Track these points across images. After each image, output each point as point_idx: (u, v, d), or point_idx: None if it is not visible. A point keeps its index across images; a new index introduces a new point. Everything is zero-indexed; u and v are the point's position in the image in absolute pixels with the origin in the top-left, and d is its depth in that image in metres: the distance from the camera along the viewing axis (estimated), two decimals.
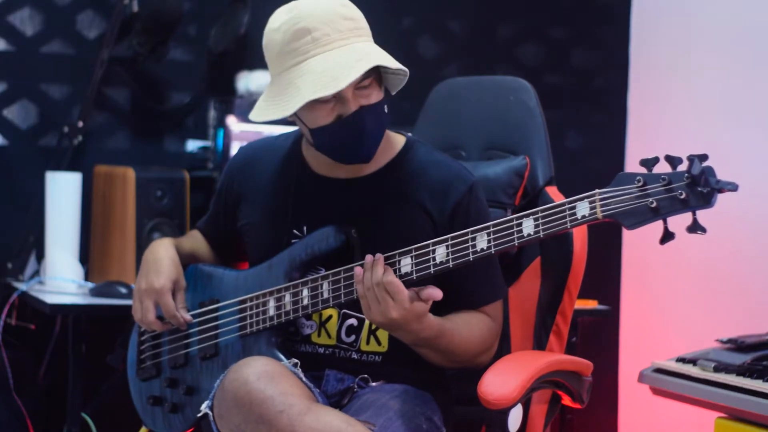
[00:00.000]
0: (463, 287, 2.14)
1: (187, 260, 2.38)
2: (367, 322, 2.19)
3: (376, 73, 2.12)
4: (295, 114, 2.12)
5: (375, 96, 2.11)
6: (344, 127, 2.10)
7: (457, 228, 2.05)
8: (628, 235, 3.79)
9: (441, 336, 2.09)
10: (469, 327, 2.15)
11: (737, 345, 2.62)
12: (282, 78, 2.11)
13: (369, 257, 2.05)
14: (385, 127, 2.17)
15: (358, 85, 2.08)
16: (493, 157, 2.48)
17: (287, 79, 2.09)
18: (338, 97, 2.08)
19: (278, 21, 2.12)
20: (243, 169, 2.34)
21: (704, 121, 3.49)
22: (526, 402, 2.16)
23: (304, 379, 2.09)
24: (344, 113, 2.09)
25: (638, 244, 3.78)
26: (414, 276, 2.04)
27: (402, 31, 3.76)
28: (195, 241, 2.44)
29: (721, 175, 1.82)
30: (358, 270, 2.05)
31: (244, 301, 2.24)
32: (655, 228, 1.87)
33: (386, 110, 2.15)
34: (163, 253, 2.31)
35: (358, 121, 2.09)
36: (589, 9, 3.94)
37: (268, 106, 2.11)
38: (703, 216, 1.83)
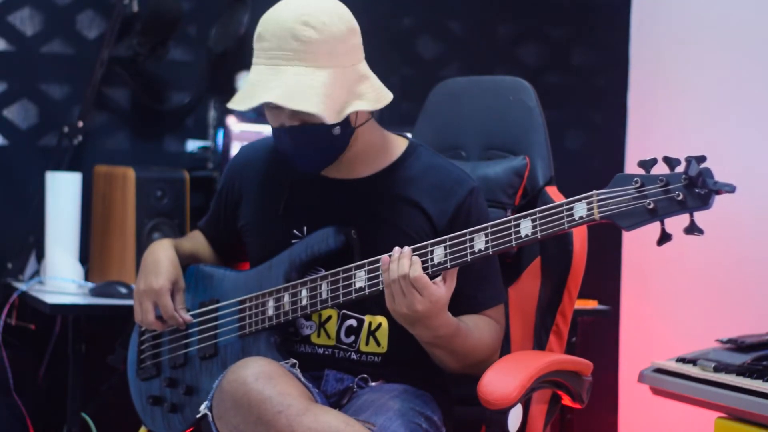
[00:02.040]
0: (464, 291, 2.14)
1: (187, 261, 2.38)
2: (366, 322, 2.19)
3: None
4: None
5: (317, 118, 2.06)
6: (279, 137, 2.14)
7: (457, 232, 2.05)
8: (628, 236, 3.79)
9: (457, 335, 2.09)
10: (479, 329, 2.16)
11: (737, 345, 2.62)
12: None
13: (396, 249, 2.03)
14: (332, 149, 2.15)
15: None
16: (493, 157, 2.48)
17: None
18: (280, 107, 2.08)
19: (263, 16, 2.13)
20: (244, 169, 2.34)
21: (704, 120, 3.49)
22: (526, 402, 2.16)
23: (302, 379, 2.09)
24: (284, 123, 2.11)
25: (638, 245, 3.78)
26: None
27: (402, 31, 3.75)
28: (195, 241, 2.44)
29: (721, 174, 1.82)
30: (384, 258, 2.04)
31: (243, 302, 2.24)
32: (655, 228, 1.87)
33: (336, 132, 2.11)
34: (162, 254, 2.31)
35: (287, 136, 2.11)
36: (589, 9, 3.94)
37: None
38: (702, 215, 1.82)
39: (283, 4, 2.11)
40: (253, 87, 2.07)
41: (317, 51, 2.06)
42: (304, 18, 2.06)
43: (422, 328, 2.05)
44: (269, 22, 2.09)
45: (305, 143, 2.12)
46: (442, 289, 2.02)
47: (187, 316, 2.29)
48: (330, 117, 2.05)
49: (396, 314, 2.04)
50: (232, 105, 2.10)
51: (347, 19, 2.12)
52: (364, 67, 2.15)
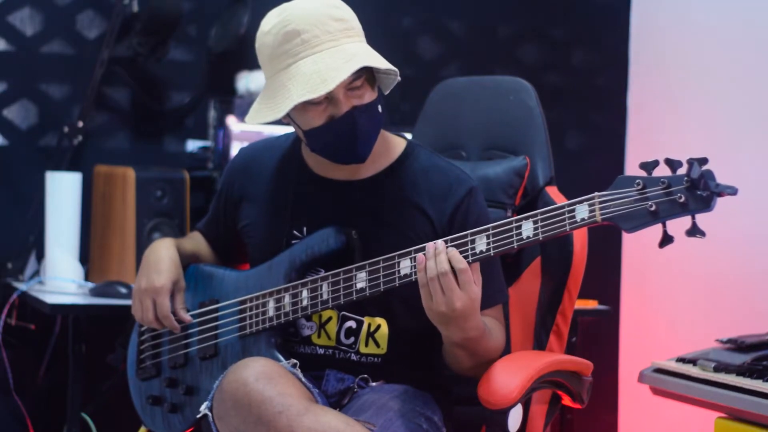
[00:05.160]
0: None
1: (189, 261, 2.38)
2: (365, 324, 2.19)
3: (368, 73, 2.11)
4: (289, 116, 2.12)
5: (368, 96, 2.10)
6: (336, 128, 2.10)
7: (456, 232, 2.04)
8: (628, 236, 3.79)
9: (483, 337, 2.07)
10: (492, 331, 2.15)
11: (737, 345, 2.62)
12: (274, 80, 2.11)
13: (431, 245, 2.00)
14: (380, 126, 2.17)
15: (349, 86, 2.08)
16: (493, 157, 2.48)
17: (279, 82, 2.09)
18: (330, 99, 2.07)
19: (269, 24, 2.12)
20: (243, 170, 2.34)
21: (704, 121, 3.50)
22: (526, 402, 2.16)
23: (303, 379, 2.09)
24: (336, 114, 2.09)
25: (638, 245, 3.78)
26: (413, 277, 2.03)
27: (402, 31, 3.76)
28: (196, 242, 2.44)
29: (720, 174, 1.82)
30: (420, 257, 2.00)
31: (243, 302, 2.24)
32: (655, 228, 1.86)
33: (380, 110, 2.14)
34: (164, 252, 2.31)
35: (350, 122, 2.09)
36: (589, 9, 3.94)
37: (261, 109, 2.11)
38: (703, 216, 1.82)
39: (298, 0, 2.12)
40: (319, 73, 2.04)
41: (354, 26, 2.12)
42: (330, 1, 2.12)
43: (455, 329, 2.02)
44: (297, 17, 2.08)
45: (367, 124, 2.11)
46: (478, 287, 2.00)
47: (187, 316, 2.29)
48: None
49: (432, 313, 2.01)
50: (304, 96, 2.03)
51: None
52: None
